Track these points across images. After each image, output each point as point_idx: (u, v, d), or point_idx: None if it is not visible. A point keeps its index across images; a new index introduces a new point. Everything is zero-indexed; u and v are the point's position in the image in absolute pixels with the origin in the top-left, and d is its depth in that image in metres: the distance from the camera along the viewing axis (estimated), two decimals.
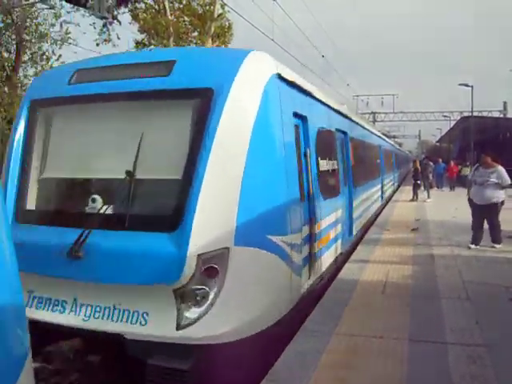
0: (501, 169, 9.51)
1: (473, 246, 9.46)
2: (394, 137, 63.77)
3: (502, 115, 46.58)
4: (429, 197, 20.80)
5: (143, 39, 24.32)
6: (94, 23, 21.44)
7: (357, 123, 12.11)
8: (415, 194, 20.96)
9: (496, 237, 9.43)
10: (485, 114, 46.33)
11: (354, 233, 10.04)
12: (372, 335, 4.98)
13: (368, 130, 15.34)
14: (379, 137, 20.25)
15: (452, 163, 28.73)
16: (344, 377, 4.08)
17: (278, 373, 4.15)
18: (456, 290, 6.61)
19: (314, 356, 4.47)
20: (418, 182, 21.20)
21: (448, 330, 5.12)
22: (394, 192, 25.53)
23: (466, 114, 43.61)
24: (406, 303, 6.04)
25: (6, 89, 22.85)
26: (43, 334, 3.92)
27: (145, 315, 4.18)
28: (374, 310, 5.79)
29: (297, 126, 5.87)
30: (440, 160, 29.12)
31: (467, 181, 10.54)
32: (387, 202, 19.57)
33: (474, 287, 6.72)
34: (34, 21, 23.67)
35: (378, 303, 6.07)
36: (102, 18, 14.52)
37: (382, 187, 18.44)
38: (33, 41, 23.91)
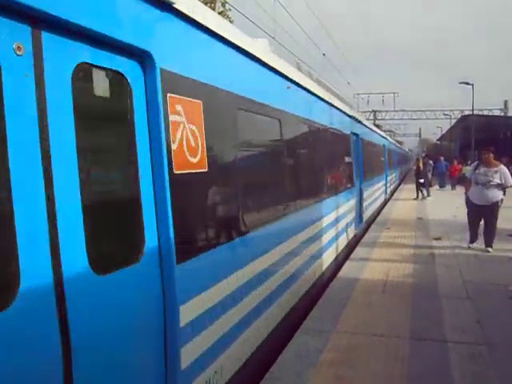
0: (504, 168, 9.15)
1: (472, 245, 9.33)
2: (391, 131, 62.79)
3: (502, 114, 46.54)
4: (428, 195, 20.64)
5: None
6: None
7: (291, 81, 5.76)
8: (419, 192, 20.74)
9: (491, 240, 9.03)
10: (485, 112, 46.27)
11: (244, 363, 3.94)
12: (372, 333, 4.97)
13: (326, 103, 8.08)
14: (359, 122, 12.62)
15: (455, 162, 27.24)
16: (344, 375, 4.07)
17: (278, 371, 4.15)
18: (456, 289, 6.59)
19: (314, 354, 4.46)
20: (421, 180, 20.81)
21: (449, 328, 5.11)
22: (386, 202, 19.44)
23: (466, 113, 43.56)
24: (407, 302, 6.02)
25: None
26: None
27: None
28: (374, 309, 5.78)
29: None
30: (442, 158, 27.86)
31: (466, 179, 9.79)
32: (372, 223, 13.37)
33: (474, 286, 6.71)
34: None
35: (378, 302, 6.06)
36: None
37: (360, 203, 11.59)
38: None
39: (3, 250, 1.98)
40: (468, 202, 9.50)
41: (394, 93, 54.96)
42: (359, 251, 9.28)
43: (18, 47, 2.00)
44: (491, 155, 9.12)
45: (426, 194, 20.76)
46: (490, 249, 8.99)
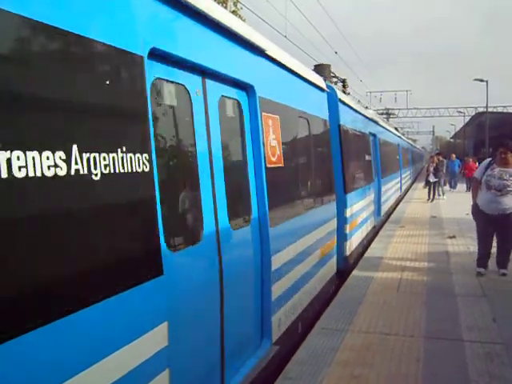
0: None
1: (482, 271, 7.14)
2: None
3: None
4: (442, 193, 19.96)
5: None
6: None
7: None
8: (431, 192, 19.39)
9: (507, 259, 7.07)
10: (500, 109, 45.63)
11: None
12: (387, 332, 4.95)
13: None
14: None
15: (471, 160, 23.71)
16: (359, 374, 4.06)
17: (293, 370, 4.16)
18: (472, 287, 6.55)
19: (329, 353, 4.46)
20: (432, 180, 19.39)
21: (464, 327, 5.07)
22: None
23: (480, 110, 43.03)
24: (422, 300, 5.99)
25: None
26: None
27: None
28: (389, 308, 5.76)
29: None
30: (453, 156, 24.97)
31: (473, 181, 7.55)
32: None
33: (489, 284, 6.65)
34: None
35: (393, 300, 6.03)
36: None
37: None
38: None
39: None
40: (476, 213, 7.21)
41: (407, 90, 54.57)
42: (373, 249, 9.26)
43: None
44: (509, 154, 6.78)
45: (440, 193, 19.93)
46: (505, 271, 7.04)
